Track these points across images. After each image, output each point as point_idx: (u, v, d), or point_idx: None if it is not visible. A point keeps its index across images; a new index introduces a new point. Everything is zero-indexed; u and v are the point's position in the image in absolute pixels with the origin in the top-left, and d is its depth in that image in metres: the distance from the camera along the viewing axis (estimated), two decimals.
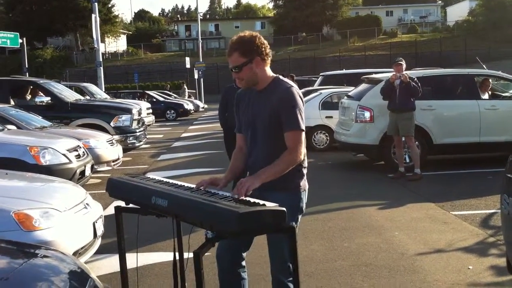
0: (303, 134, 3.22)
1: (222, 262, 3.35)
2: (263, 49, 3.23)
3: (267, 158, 3.23)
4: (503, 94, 11.67)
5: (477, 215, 6.80)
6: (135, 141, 13.04)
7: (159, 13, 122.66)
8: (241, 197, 2.83)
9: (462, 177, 9.36)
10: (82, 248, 4.72)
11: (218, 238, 2.60)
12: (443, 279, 4.68)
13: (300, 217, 3.34)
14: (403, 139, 9.48)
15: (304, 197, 3.35)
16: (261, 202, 2.69)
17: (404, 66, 9.49)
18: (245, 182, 2.98)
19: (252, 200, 2.77)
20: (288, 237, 3.17)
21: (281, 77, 3.34)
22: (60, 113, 12.37)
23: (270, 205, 2.65)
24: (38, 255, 2.81)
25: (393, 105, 9.40)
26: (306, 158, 3.30)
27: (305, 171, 3.35)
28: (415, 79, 9.31)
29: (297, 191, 3.30)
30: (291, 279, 3.28)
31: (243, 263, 3.42)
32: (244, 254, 3.42)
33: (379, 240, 5.87)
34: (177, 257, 3.18)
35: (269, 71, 3.30)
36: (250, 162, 3.40)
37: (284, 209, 2.61)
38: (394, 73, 9.51)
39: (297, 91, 3.25)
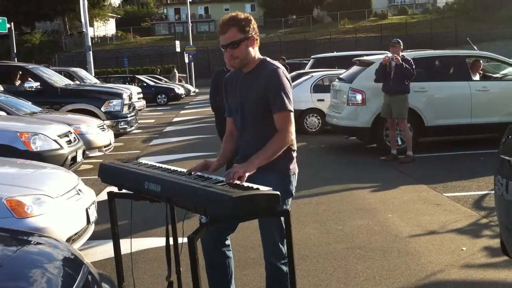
0: (292, 114, 3.20)
1: (206, 244, 3.35)
2: (257, 30, 3.24)
3: (257, 140, 3.22)
4: (494, 75, 11.69)
5: (469, 196, 6.83)
6: (127, 126, 12.99)
7: None
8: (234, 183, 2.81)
9: (454, 159, 9.38)
10: (75, 234, 4.70)
11: (212, 223, 2.58)
12: (436, 261, 4.71)
13: (290, 200, 3.33)
14: (396, 121, 9.48)
15: (294, 180, 3.33)
16: (255, 186, 2.68)
17: (401, 47, 9.43)
18: (238, 170, 2.94)
19: (245, 184, 2.75)
20: (279, 221, 3.20)
21: (268, 58, 3.32)
22: (50, 99, 12.27)
23: (264, 189, 2.63)
24: (31, 242, 2.79)
25: (386, 88, 9.38)
26: (295, 141, 3.30)
27: (294, 154, 3.34)
28: (411, 61, 9.24)
29: (287, 174, 3.28)
30: (283, 261, 3.29)
31: (227, 242, 3.43)
32: (229, 236, 3.43)
33: (373, 223, 5.89)
34: (171, 242, 3.17)
35: (258, 53, 3.29)
36: (241, 144, 3.39)
37: (278, 193, 2.59)
38: (386, 54, 9.47)
39: (283, 72, 3.23)
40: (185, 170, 3.11)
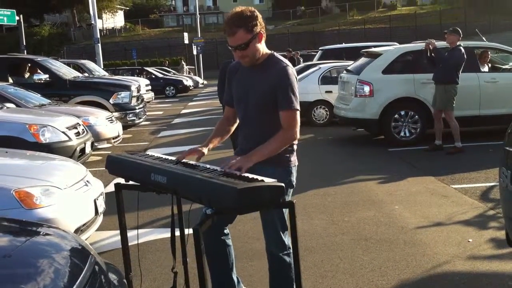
0: (298, 113, 3.22)
1: (206, 234, 3.37)
2: (263, 24, 3.21)
3: (259, 134, 3.24)
4: (503, 67, 11.61)
5: (477, 188, 6.82)
6: (135, 118, 13.03)
7: None
8: (227, 171, 2.83)
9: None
10: (83, 225, 4.74)
11: (217, 214, 2.60)
12: (443, 252, 4.72)
13: (291, 191, 3.36)
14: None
15: (295, 172, 3.37)
16: (260, 177, 2.69)
17: (456, 36, 9.09)
18: (237, 163, 2.95)
19: (250, 176, 2.77)
20: (281, 212, 3.23)
21: (275, 53, 3.32)
22: (58, 91, 12.33)
23: (268, 180, 2.65)
24: (40, 233, 2.82)
25: (433, 76, 9.31)
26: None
27: (295, 147, 3.37)
28: (460, 51, 8.96)
29: (287, 166, 3.31)
30: (286, 252, 3.33)
31: (227, 231, 3.47)
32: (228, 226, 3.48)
33: (379, 214, 5.90)
34: (177, 233, 3.20)
35: (265, 47, 3.27)
36: (242, 137, 3.42)
37: (282, 184, 2.60)
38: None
39: (292, 70, 3.24)
40: (192, 162, 3.13)
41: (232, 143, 6.46)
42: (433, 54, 9.14)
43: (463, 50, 9.02)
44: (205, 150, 3.31)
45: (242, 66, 3.35)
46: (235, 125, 3.55)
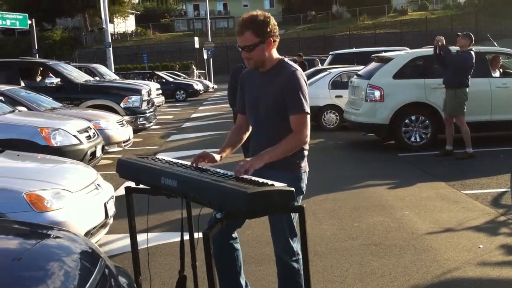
0: (308, 117, 3.23)
1: (215, 238, 3.36)
2: (275, 31, 3.23)
3: (270, 140, 3.24)
4: None
5: (488, 194, 6.77)
6: (145, 122, 13.06)
7: None
8: (241, 176, 2.84)
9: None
10: (93, 228, 4.76)
11: (227, 218, 2.61)
12: (453, 258, 4.69)
13: (301, 197, 3.35)
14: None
15: (305, 178, 3.36)
16: (270, 182, 2.69)
17: (467, 40, 9.01)
18: (246, 163, 2.98)
19: (260, 180, 2.76)
20: (290, 218, 3.22)
21: (286, 59, 3.33)
22: (70, 95, 12.38)
23: (278, 185, 2.65)
24: (50, 235, 2.84)
25: (443, 79, 9.21)
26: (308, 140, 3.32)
27: (306, 153, 3.37)
28: (469, 54, 8.83)
29: (297, 172, 3.31)
30: (295, 258, 3.32)
31: (235, 235, 3.47)
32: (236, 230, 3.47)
33: (389, 220, 5.88)
34: (186, 237, 3.21)
35: (275, 53, 3.30)
36: (253, 143, 3.42)
37: (292, 189, 2.60)
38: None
39: (301, 74, 3.25)
40: (202, 167, 3.14)
41: (242, 148, 6.46)
42: (442, 53, 9.10)
43: (473, 54, 8.95)
44: (217, 157, 3.30)
45: (253, 73, 3.36)
46: (248, 133, 3.55)
